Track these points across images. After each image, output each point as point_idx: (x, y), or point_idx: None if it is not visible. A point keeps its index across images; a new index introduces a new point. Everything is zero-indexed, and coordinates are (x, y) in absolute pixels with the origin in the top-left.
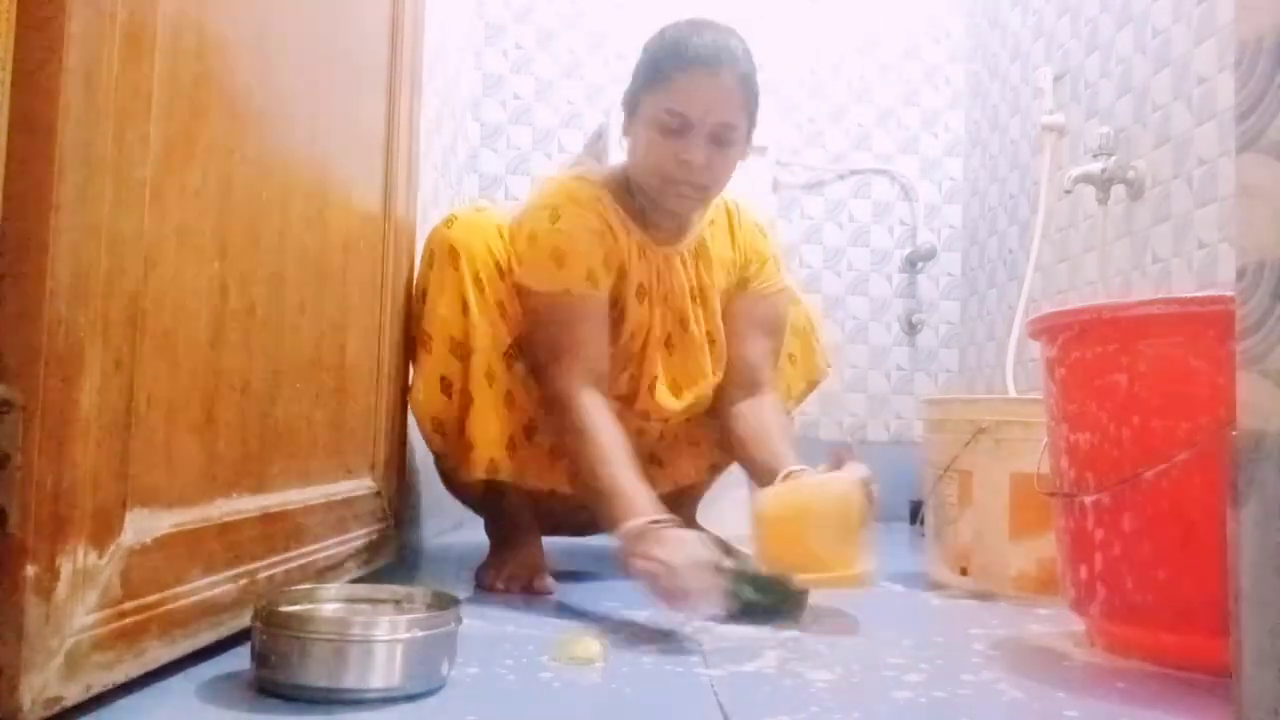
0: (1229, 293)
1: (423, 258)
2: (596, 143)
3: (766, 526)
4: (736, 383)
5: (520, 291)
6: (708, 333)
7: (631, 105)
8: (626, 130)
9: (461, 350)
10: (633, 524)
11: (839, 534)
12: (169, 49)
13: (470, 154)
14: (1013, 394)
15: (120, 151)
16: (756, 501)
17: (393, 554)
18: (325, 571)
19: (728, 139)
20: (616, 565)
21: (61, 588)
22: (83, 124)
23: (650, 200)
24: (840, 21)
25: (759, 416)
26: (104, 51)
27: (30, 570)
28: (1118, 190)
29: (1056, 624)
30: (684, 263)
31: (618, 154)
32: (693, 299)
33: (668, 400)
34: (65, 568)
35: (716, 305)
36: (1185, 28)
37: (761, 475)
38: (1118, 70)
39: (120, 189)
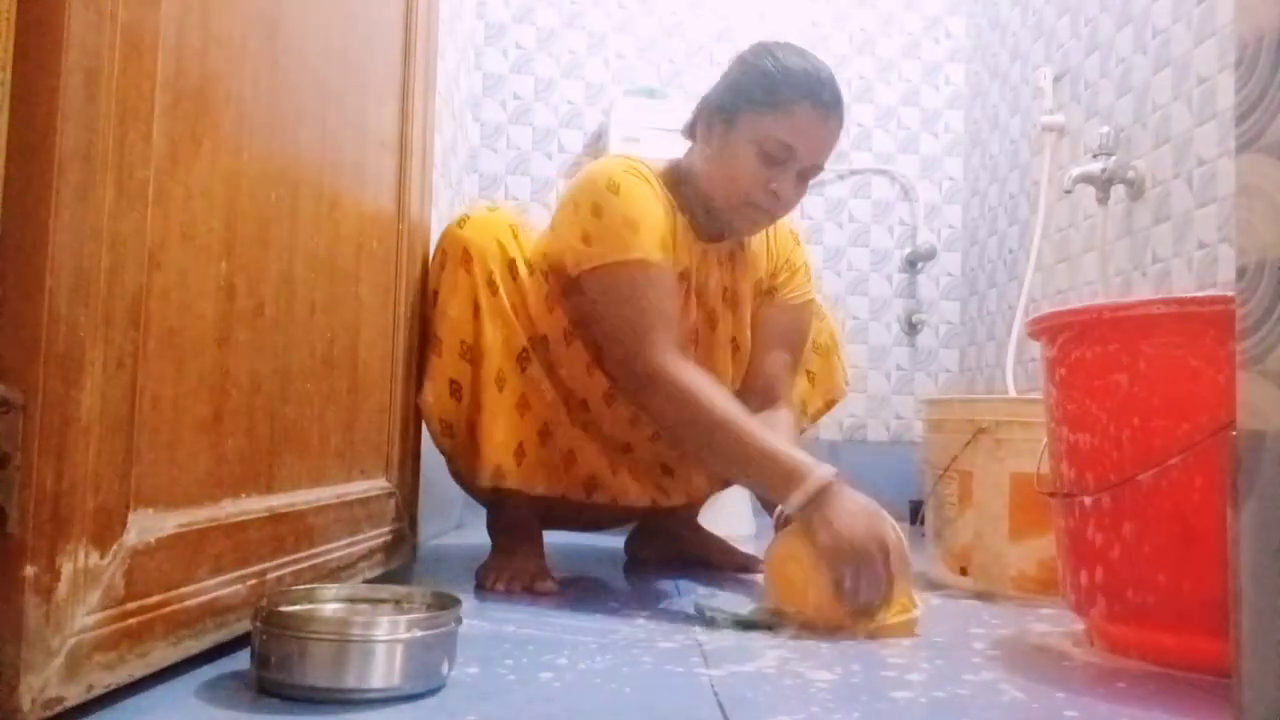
0: (1229, 293)
1: (434, 258)
2: (596, 143)
3: (798, 594)
4: (753, 392)
5: (589, 274)
6: (733, 338)
7: (728, 116)
8: (706, 136)
9: (472, 354)
10: (818, 488)
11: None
12: (172, 48)
13: (470, 154)
14: (1013, 394)
15: (121, 151)
16: (782, 546)
17: (407, 555)
18: (337, 572)
19: (810, 177)
20: (813, 536)
21: (62, 588)
22: (83, 124)
23: (713, 210)
24: (840, 21)
25: (772, 430)
26: (104, 51)
27: (30, 570)
28: (1118, 190)
29: (1056, 624)
30: (720, 263)
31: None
32: (724, 300)
33: None
34: (66, 568)
35: (747, 313)
36: (1185, 28)
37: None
38: (1118, 70)
39: (122, 188)
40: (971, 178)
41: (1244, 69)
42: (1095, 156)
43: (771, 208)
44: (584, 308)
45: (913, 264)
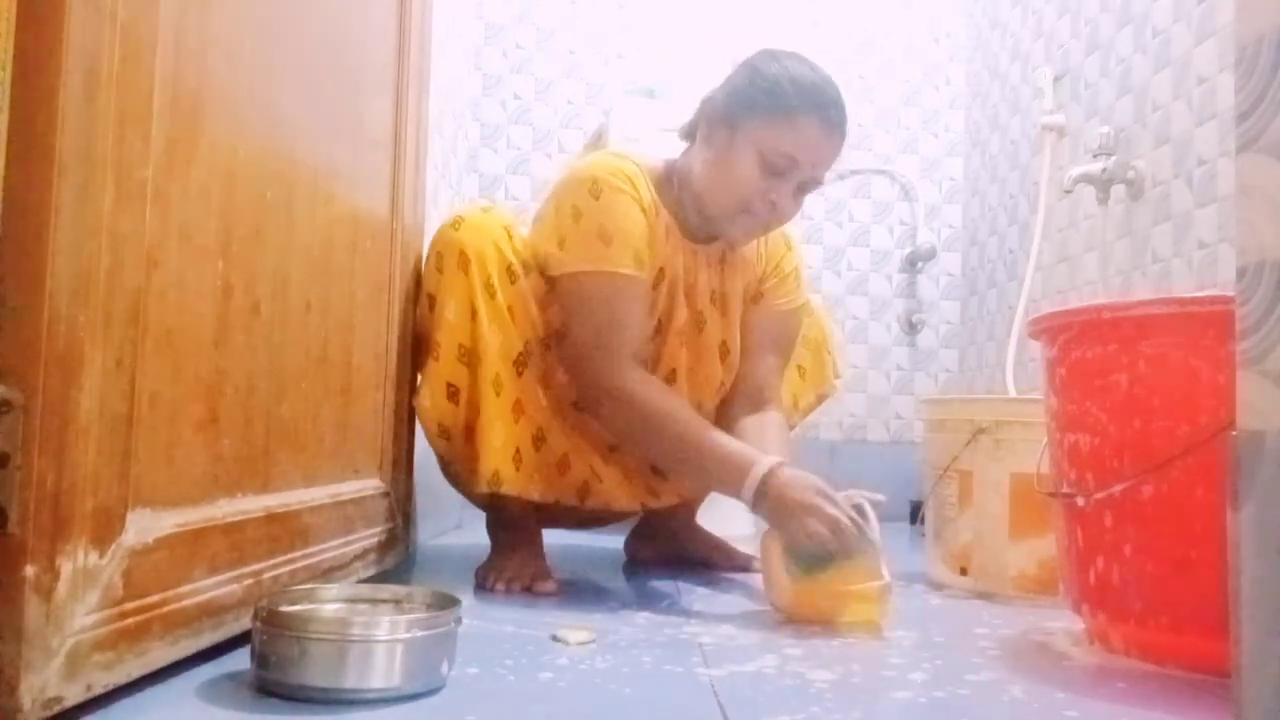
0: (1229, 293)
1: (429, 261)
2: (596, 143)
3: (785, 588)
4: (743, 398)
5: (560, 278)
6: (722, 341)
7: (731, 122)
8: (706, 139)
9: (469, 358)
10: (766, 473)
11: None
12: (171, 48)
13: (470, 154)
14: (1013, 394)
15: (121, 151)
16: (770, 556)
17: (401, 554)
18: (332, 571)
19: (808, 190)
20: (758, 513)
21: (61, 588)
22: (83, 124)
23: (707, 215)
24: (840, 21)
25: (761, 434)
26: (104, 51)
27: (30, 570)
28: (1118, 190)
29: (1056, 624)
30: (709, 264)
31: None
32: (713, 302)
33: (683, 396)
34: (65, 568)
35: (736, 316)
36: (1185, 28)
37: None
38: (1118, 70)
39: (121, 188)
40: (971, 178)
41: (1244, 69)
42: (1095, 156)
43: (768, 218)
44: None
45: (913, 264)
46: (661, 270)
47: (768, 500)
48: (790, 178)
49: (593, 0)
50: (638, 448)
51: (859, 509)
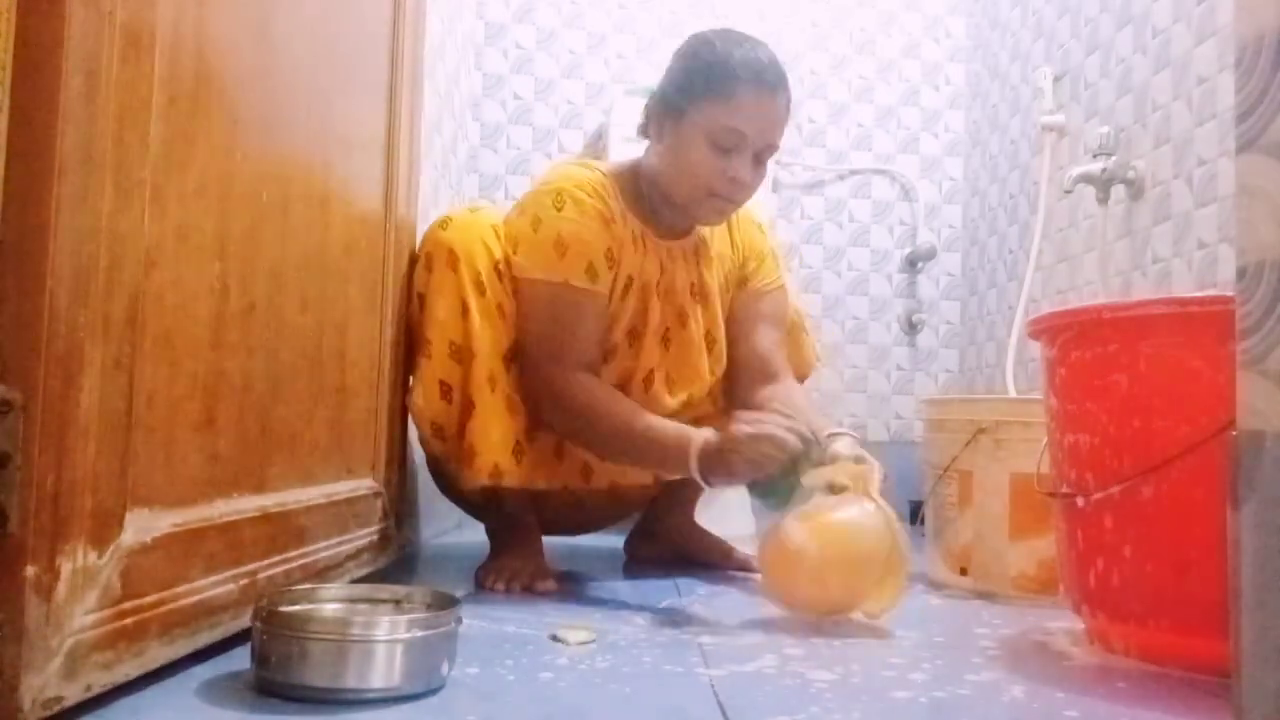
0: (1229, 293)
1: (419, 261)
2: (596, 143)
3: (796, 572)
4: (754, 376)
5: (516, 279)
6: (707, 332)
7: (674, 111)
8: (658, 133)
9: (462, 355)
10: (702, 443)
11: (874, 575)
12: (169, 48)
13: (470, 154)
14: (1013, 394)
15: (120, 151)
16: (779, 541)
17: (394, 554)
18: (326, 571)
19: (767, 157)
20: (715, 480)
21: (61, 588)
22: (83, 124)
23: (676, 205)
24: (840, 21)
25: (784, 397)
26: (104, 51)
27: (30, 570)
28: (1118, 190)
29: (1056, 624)
30: (685, 259)
31: (618, 153)
32: (693, 296)
33: (663, 396)
34: (65, 568)
35: (718, 305)
36: (1185, 28)
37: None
38: (1118, 70)
39: (120, 189)
40: (971, 178)
41: (1244, 69)
42: (1095, 156)
43: (732, 194)
44: None
45: (913, 264)
46: (630, 278)
47: (712, 462)
48: (743, 151)
49: (592, 0)
50: (582, 444)
51: (887, 487)
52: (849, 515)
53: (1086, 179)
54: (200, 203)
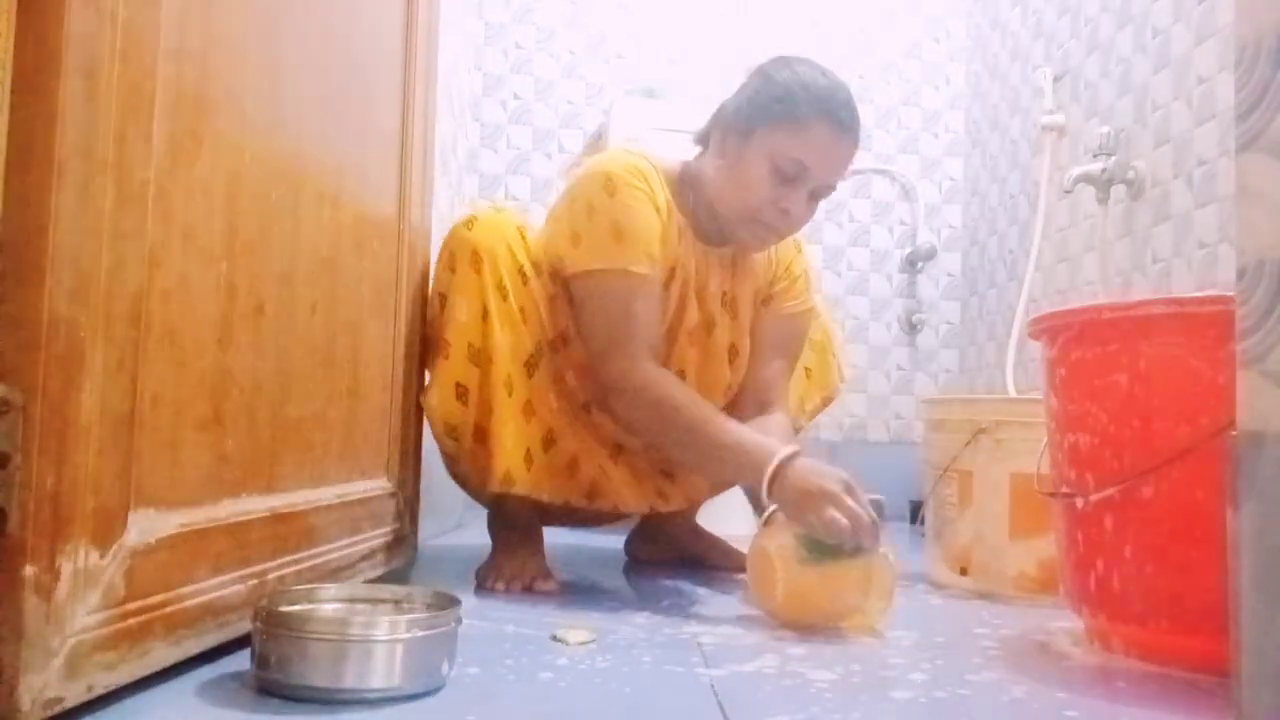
0: (1229, 293)
1: (441, 260)
2: (596, 143)
3: (773, 587)
4: (748, 400)
5: (573, 276)
6: (731, 344)
7: (741, 128)
8: (720, 146)
9: (480, 358)
10: (786, 457)
11: (853, 590)
12: (173, 48)
13: (470, 154)
14: (1013, 394)
15: (121, 151)
16: (756, 555)
17: (408, 555)
18: (338, 572)
19: (822, 196)
20: (775, 502)
21: (62, 588)
22: (83, 124)
23: (720, 219)
24: (840, 21)
25: (765, 434)
26: (104, 51)
27: (30, 570)
28: (1118, 190)
29: (1057, 624)
30: (721, 267)
31: None
32: (723, 304)
33: None
34: (65, 568)
35: (746, 319)
36: (1185, 28)
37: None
38: (1118, 70)
39: (122, 188)
40: (971, 178)
41: (1244, 69)
42: (1095, 156)
43: (780, 225)
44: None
45: (913, 264)
46: (673, 270)
47: (786, 485)
48: (802, 184)
49: (592, 0)
50: (652, 440)
51: (877, 506)
52: (856, 562)
53: (1086, 179)
54: (207, 203)
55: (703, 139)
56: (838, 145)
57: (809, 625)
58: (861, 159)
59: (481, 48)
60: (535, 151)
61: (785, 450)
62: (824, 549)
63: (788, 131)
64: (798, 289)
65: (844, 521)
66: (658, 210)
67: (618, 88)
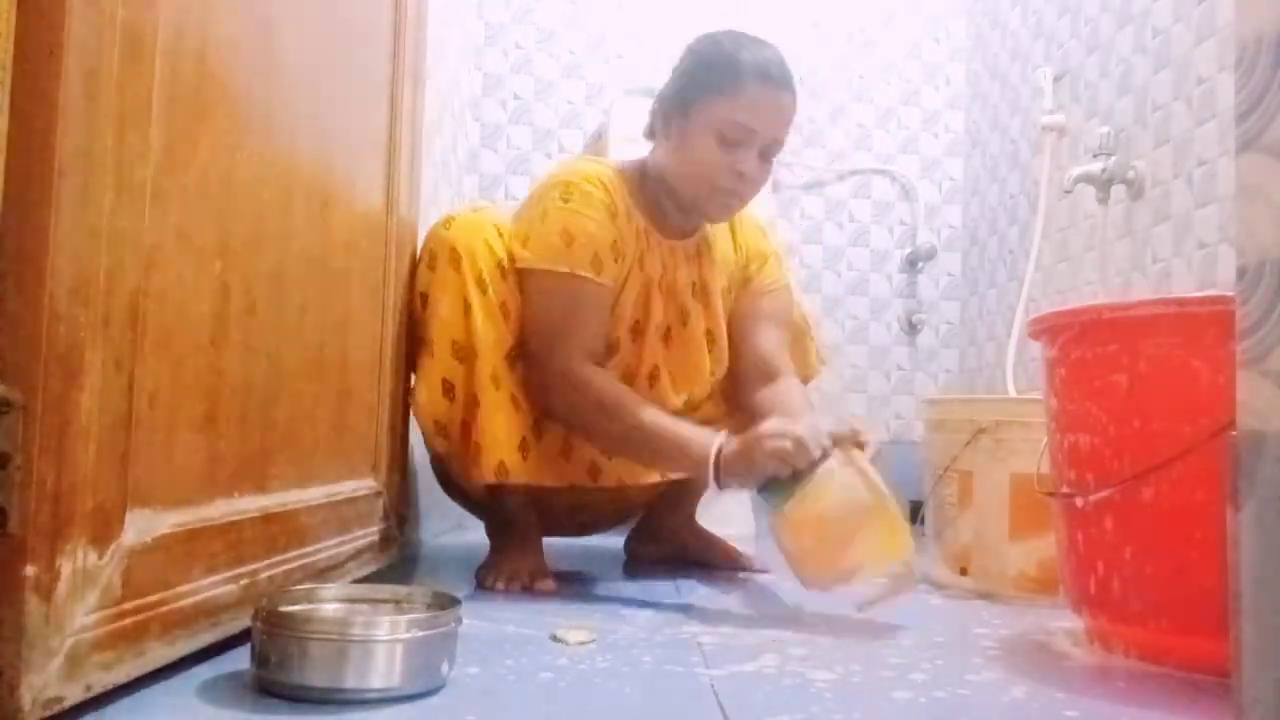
0: (1229, 293)
1: (421, 260)
2: (596, 142)
3: (799, 552)
4: (755, 375)
5: (522, 273)
6: (708, 330)
7: (681, 108)
8: (665, 131)
9: (464, 353)
10: (723, 440)
11: (864, 522)
12: (170, 48)
13: (470, 154)
14: (1013, 394)
15: (121, 151)
16: (780, 528)
17: (395, 554)
18: (327, 572)
19: (773, 154)
20: (729, 480)
21: (61, 588)
22: (83, 124)
23: (683, 202)
24: (840, 21)
25: (783, 397)
26: (104, 51)
27: (30, 570)
28: (1118, 190)
29: (1057, 624)
30: (687, 259)
31: (618, 153)
32: (694, 294)
33: (669, 394)
34: (65, 568)
35: (719, 305)
36: (1185, 28)
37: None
38: (1118, 70)
39: (121, 189)
40: (971, 178)
41: (1244, 69)
42: (1095, 156)
43: (739, 189)
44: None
45: (913, 264)
46: (634, 273)
47: (729, 457)
48: (750, 146)
49: (592, 0)
50: (592, 438)
51: (855, 422)
52: (816, 478)
53: (1086, 179)
54: (202, 203)
55: (650, 131)
56: (776, 101)
57: (853, 569)
58: (861, 159)
59: (481, 48)
60: (535, 151)
61: (721, 435)
62: (787, 483)
63: (725, 98)
64: (770, 267)
65: (784, 443)
66: (615, 216)
67: (618, 88)
